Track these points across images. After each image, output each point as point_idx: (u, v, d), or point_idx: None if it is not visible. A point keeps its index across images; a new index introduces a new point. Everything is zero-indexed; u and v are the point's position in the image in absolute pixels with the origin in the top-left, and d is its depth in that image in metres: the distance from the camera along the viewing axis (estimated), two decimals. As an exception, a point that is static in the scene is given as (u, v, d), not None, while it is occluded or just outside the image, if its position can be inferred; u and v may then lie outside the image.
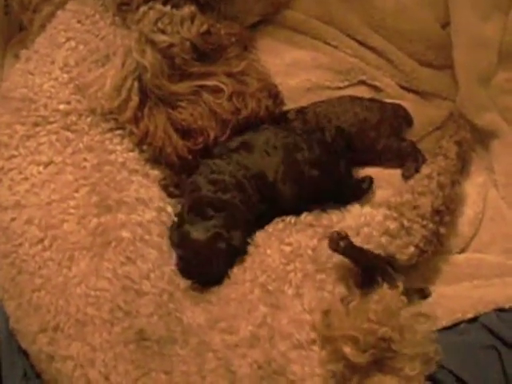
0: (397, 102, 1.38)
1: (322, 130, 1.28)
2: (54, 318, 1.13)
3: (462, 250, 1.27)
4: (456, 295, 1.23)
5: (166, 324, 1.11)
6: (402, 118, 1.36)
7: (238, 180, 1.20)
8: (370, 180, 1.28)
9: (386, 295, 1.07)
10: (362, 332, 1.03)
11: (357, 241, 1.13)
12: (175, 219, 1.21)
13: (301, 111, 1.35)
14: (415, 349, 1.04)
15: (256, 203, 1.21)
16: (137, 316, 1.11)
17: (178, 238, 1.18)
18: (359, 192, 1.27)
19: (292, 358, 1.05)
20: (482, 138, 1.37)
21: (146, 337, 1.10)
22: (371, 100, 1.37)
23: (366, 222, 1.17)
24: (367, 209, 1.20)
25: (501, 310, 1.20)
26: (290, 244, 1.15)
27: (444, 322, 1.18)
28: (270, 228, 1.18)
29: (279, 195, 1.22)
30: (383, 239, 1.16)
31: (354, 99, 1.36)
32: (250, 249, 1.17)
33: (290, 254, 1.13)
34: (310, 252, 1.14)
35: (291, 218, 1.19)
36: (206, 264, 1.16)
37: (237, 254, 1.17)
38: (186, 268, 1.17)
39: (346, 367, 1.03)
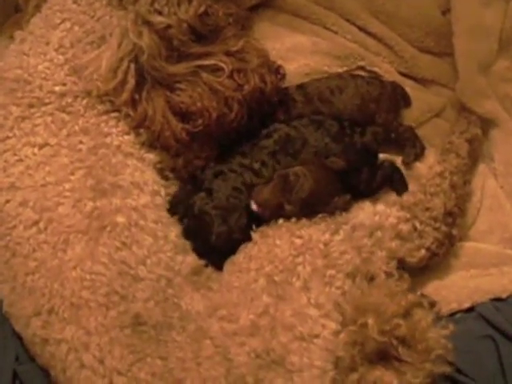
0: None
1: (361, 132, 1.29)
2: (48, 301, 1.12)
3: (460, 239, 1.27)
4: (452, 285, 1.24)
5: (162, 310, 1.11)
6: (401, 96, 1.36)
7: None
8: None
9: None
10: (392, 311, 1.04)
11: (368, 243, 1.14)
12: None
13: (301, 86, 1.36)
14: (423, 361, 1.04)
15: None
16: (133, 301, 1.11)
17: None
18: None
19: (292, 349, 1.05)
20: (482, 126, 1.36)
21: (142, 322, 1.10)
22: (371, 77, 1.38)
23: (379, 222, 1.17)
24: (381, 206, 1.19)
25: (497, 299, 1.21)
26: (301, 237, 1.14)
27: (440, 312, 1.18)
28: (280, 220, 1.17)
29: None
30: (394, 244, 1.16)
31: (353, 75, 1.37)
32: (257, 238, 1.17)
33: (300, 247, 1.13)
34: (321, 246, 1.13)
35: None
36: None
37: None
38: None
39: (359, 353, 1.03)
